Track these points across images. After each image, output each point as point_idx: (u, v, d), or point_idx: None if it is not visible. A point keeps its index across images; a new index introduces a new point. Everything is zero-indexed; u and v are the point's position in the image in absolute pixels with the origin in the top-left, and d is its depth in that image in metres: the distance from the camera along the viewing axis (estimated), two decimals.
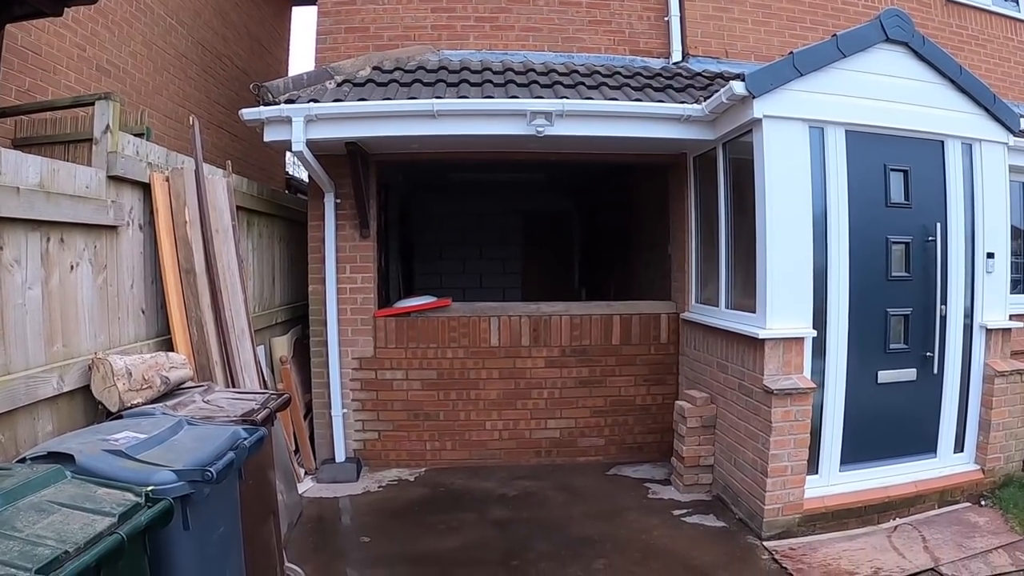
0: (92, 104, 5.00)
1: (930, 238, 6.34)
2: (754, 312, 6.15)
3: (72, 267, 4.19)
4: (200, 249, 5.30)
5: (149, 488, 2.77)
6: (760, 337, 5.86)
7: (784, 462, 5.86)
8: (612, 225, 12.13)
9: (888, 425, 6.39)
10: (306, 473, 7.50)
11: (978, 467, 6.62)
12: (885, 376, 6.32)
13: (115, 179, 4.72)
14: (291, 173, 15.55)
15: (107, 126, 4.74)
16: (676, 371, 8.07)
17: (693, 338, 7.59)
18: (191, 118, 5.83)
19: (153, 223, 5.12)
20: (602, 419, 8.02)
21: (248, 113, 6.36)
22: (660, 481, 7.41)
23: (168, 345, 5.12)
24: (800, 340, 5.95)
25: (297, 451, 7.52)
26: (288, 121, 6.31)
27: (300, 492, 6.88)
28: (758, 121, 5.89)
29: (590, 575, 5.36)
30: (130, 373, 4.12)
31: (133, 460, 3.04)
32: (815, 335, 5.99)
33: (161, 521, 2.63)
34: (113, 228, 4.66)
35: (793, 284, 5.92)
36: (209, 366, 5.17)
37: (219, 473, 3.06)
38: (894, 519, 6.16)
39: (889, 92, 6.10)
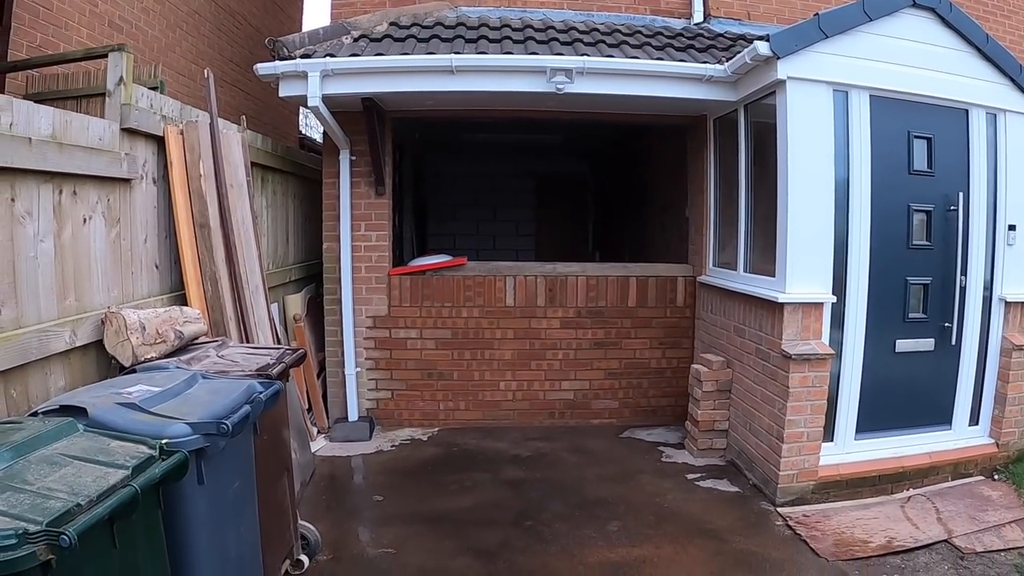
0: (105, 56, 4.91)
1: (952, 207, 6.19)
2: (774, 276, 6.05)
3: (85, 220, 4.13)
4: (215, 203, 5.24)
5: (164, 441, 2.73)
6: (779, 301, 5.77)
7: (800, 428, 5.79)
8: (626, 188, 12.01)
9: (904, 395, 6.31)
10: (319, 432, 7.48)
11: (992, 441, 6.52)
12: (903, 345, 6.22)
13: (129, 132, 4.65)
14: (304, 133, 15.44)
15: (120, 78, 4.65)
16: (692, 335, 8.00)
17: (710, 301, 7.51)
18: (206, 71, 5.74)
19: (167, 177, 5.06)
20: (616, 382, 7.97)
21: (263, 68, 6.27)
22: (674, 445, 7.37)
23: (182, 300, 5.08)
24: (819, 305, 5.86)
25: (310, 410, 7.50)
26: (304, 76, 6.21)
27: (313, 451, 6.85)
28: (782, 82, 5.75)
29: (604, 537, 5.32)
30: (144, 327, 4.07)
31: (147, 413, 3.00)
32: (834, 301, 5.89)
33: (176, 474, 2.59)
34: (127, 181, 4.60)
35: (814, 249, 5.81)
36: (223, 322, 5.13)
37: (235, 426, 3.02)
38: (908, 489, 6.09)
39: (914, 58, 5.95)
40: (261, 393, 3.40)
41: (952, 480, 6.25)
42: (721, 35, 7.73)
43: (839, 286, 5.94)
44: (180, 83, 9.00)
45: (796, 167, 5.76)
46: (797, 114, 5.75)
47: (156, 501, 2.60)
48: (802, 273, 5.81)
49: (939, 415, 6.48)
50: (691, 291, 7.95)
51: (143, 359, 4.02)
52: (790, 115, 5.75)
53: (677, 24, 8.21)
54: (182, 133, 5.14)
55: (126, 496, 2.25)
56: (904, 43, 5.92)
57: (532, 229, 14.66)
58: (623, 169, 12.23)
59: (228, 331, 5.17)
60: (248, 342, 5.30)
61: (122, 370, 4.00)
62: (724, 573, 4.83)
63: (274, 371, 3.90)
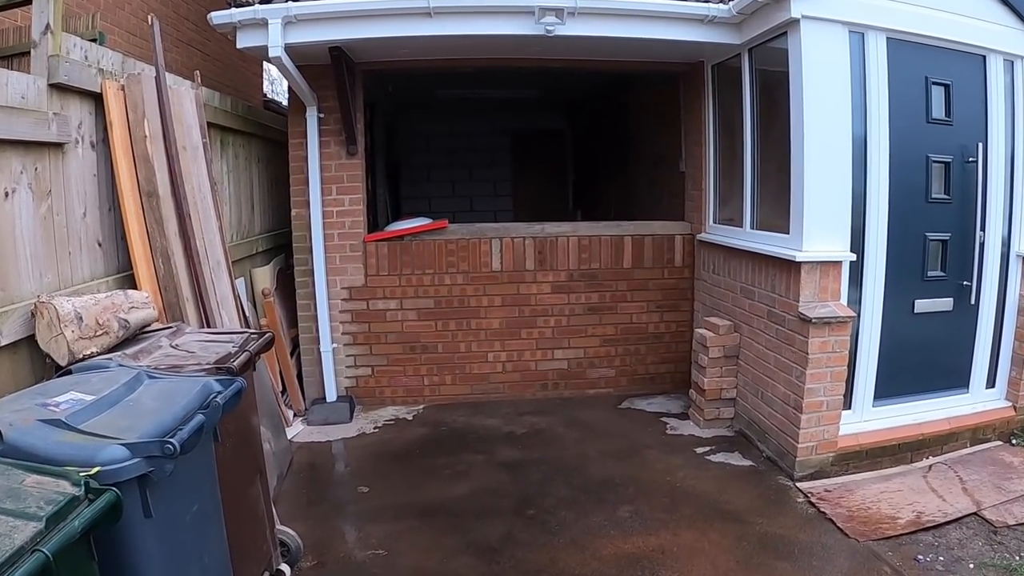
0: (29, 3, 4.23)
1: (970, 159, 5.81)
2: (787, 233, 5.63)
3: (7, 194, 3.50)
4: (164, 168, 4.60)
5: (94, 470, 2.16)
6: (797, 260, 5.33)
7: (819, 397, 5.41)
8: (610, 142, 11.47)
9: (922, 358, 6.00)
10: (295, 415, 6.95)
11: (1009, 404, 6.24)
12: (922, 305, 5.87)
13: (59, 88, 4.01)
14: (268, 96, 14.68)
15: (47, 25, 3.98)
16: (691, 296, 7.53)
17: (711, 261, 7.02)
18: (150, 17, 5.05)
19: (108, 140, 4.41)
20: (612, 348, 7.50)
21: (218, 16, 5.60)
22: (677, 415, 6.94)
23: (131, 282, 4.46)
24: (838, 264, 5.44)
25: (284, 392, 6.95)
26: (264, 24, 5.53)
27: (289, 437, 6.34)
28: (795, 22, 5.24)
29: (616, 524, 4.85)
30: (80, 318, 3.46)
31: (76, 432, 2.42)
32: (853, 259, 5.49)
33: (107, 519, 2.01)
34: (58, 146, 3.96)
35: (832, 203, 5.39)
36: (179, 304, 4.51)
37: (185, 443, 2.44)
38: (928, 457, 5.81)
39: None
40: (219, 395, 2.82)
41: (971, 446, 5.99)
42: None
43: (857, 243, 5.54)
44: (131, 43, 8.24)
45: (812, 116, 5.30)
46: (812, 57, 5.28)
47: (87, 552, 2.03)
48: (820, 229, 5.39)
49: (957, 378, 6.18)
50: (689, 250, 7.46)
51: (82, 355, 3.42)
52: (805, 58, 5.27)
53: None
54: (123, 89, 4.48)
55: (33, 568, 1.67)
56: None
57: (510, 189, 14.16)
58: (606, 123, 11.68)
59: (185, 314, 4.55)
60: (209, 326, 4.70)
61: (58, 370, 3.39)
62: (751, 561, 4.39)
63: (236, 362, 3.31)
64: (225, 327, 5.03)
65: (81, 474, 2.10)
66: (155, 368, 3.22)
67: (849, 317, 5.37)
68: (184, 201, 4.65)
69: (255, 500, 3.82)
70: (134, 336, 3.79)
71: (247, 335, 3.81)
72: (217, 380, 2.94)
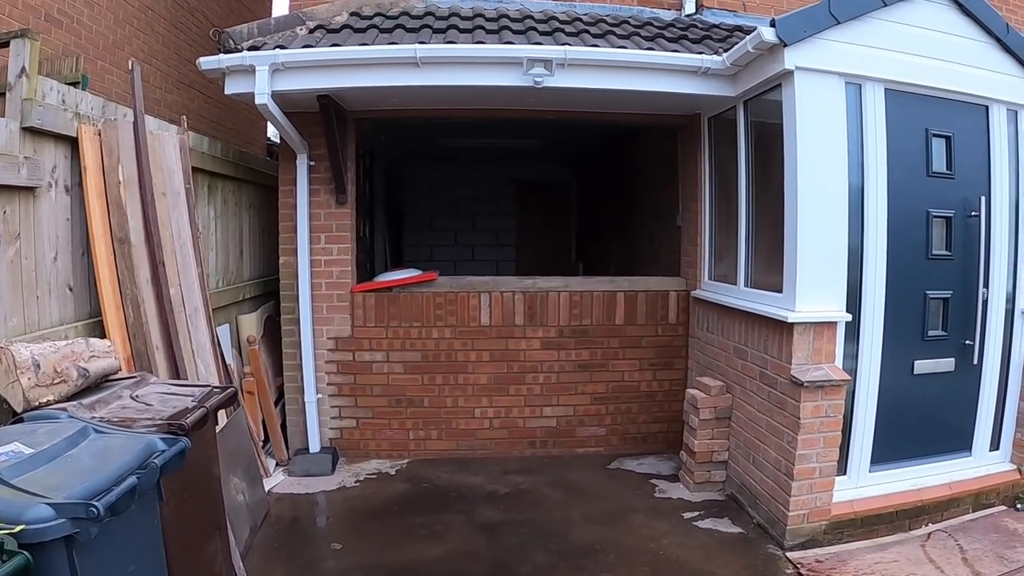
0: (7, 46, 4.18)
1: (973, 213, 5.68)
2: (780, 292, 5.47)
3: None
4: (138, 215, 4.52)
5: (17, 528, 2.04)
6: (789, 321, 5.17)
7: (812, 463, 5.21)
8: (612, 195, 11.38)
9: (922, 420, 5.80)
10: (277, 465, 6.79)
11: (1014, 467, 6.06)
12: (922, 366, 5.68)
13: (32, 132, 3.96)
14: (272, 140, 14.69)
15: (22, 68, 3.94)
16: (685, 354, 7.36)
17: (706, 319, 6.87)
18: (130, 61, 5.02)
19: (83, 184, 4.33)
20: (603, 407, 7.31)
21: (206, 62, 5.56)
22: (667, 477, 6.73)
23: (102, 327, 4.35)
24: (832, 325, 5.28)
25: (267, 441, 6.81)
26: (252, 71, 5.49)
27: (269, 487, 6.21)
28: (789, 73, 5.15)
29: None
30: (38, 365, 3.35)
31: (7, 486, 2.30)
32: (848, 319, 5.32)
33: None
34: (29, 190, 3.89)
35: (826, 261, 5.24)
36: (147, 352, 4.40)
37: (114, 505, 2.32)
38: (927, 524, 5.59)
39: (931, 48, 5.41)
40: (158, 456, 2.69)
41: (973, 511, 5.78)
42: (715, 26, 7.11)
43: (853, 302, 5.39)
44: (129, 83, 8.24)
45: (806, 169, 5.18)
46: (806, 109, 5.17)
47: None
48: (813, 288, 5.24)
49: (958, 441, 5.99)
50: (684, 307, 7.30)
51: (37, 403, 3.30)
52: (799, 110, 5.16)
53: (667, 15, 7.53)
54: (99, 134, 4.42)
55: None
56: (920, 32, 5.39)
57: (513, 239, 14.12)
58: (608, 175, 11.61)
59: (153, 364, 4.44)
60: (179, 375, 4.59)
61: (13, 416, 3.28)
62: None
63: (189, 419, 3.19)
64: (200, 376, 4.92)
65: (3, 532, 1.99)
66: (107, 421, 3.11)
67: (844, 381, 5.19)
68: (158, 248, 4.56)
69: (212, 558, 3.68)
70: (98, 384, 3.67)
71: (209, 389, 3.69)
72: (163, 438, 2.81)
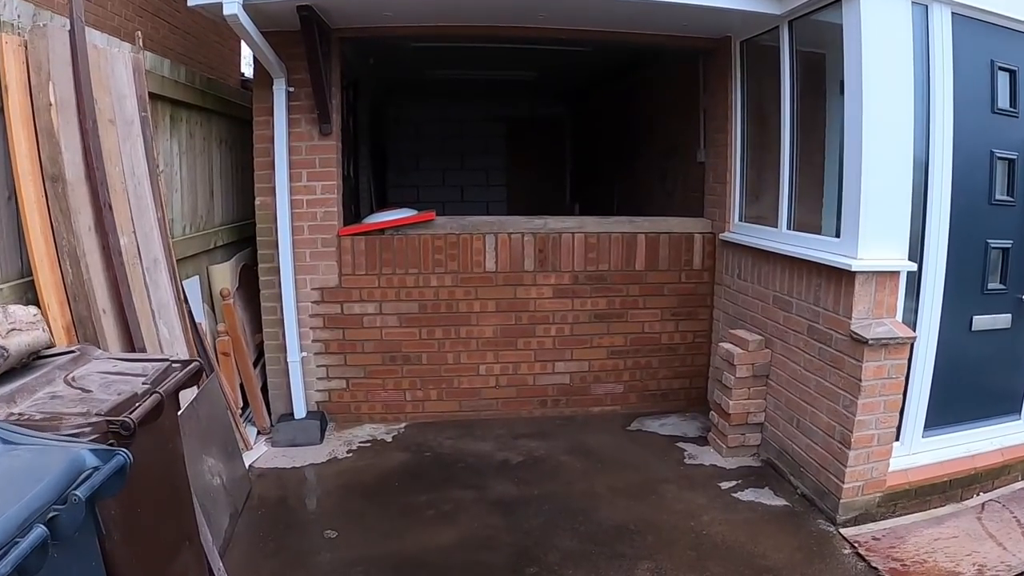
0: None
1: None
2: (836, 236, 4.81)
3: None
4: (76, 146, 3.64)
5: None
6: (852, 269, 4.51)
7: (871, 430, 4.64)
8: (615, 130, 10.58)
9: (976, 381, 5.31)
10: (259, 433, 6.06)
11: None
12: (980, 322, 5.14)
13: None
14: (247, 75, 13.71)
15: None
16: (711, 303, 6.67)
17: (737, 264, 6.16)
18: None
19: (4, 108, 3.47)
20: (621, 361, 6.62)
21: None
22: (694, 439, 6.10)
23: (34, 290, 3.53)
24: (895, 275, 4.65)
25: (246, 407, 6.06)
26: None
27: (250, 461, 5.52)
28: None
29: None
30: None
31: None
32: (912, 269, 4.70)
33: None
34: None
35: (891, 203, 4.58)
36: (92, 318, 3.56)
37: (23, 565, 1.55)
38: (978, 494, 5.16)
39: None
40: (86, 478, 1.90)
41: (1023, 478, 5.38)
42: None
43: (915, 250, 4.76)
44: (85, 9, 7.28)
45: (872, 99, 4.47)
46: (873, 30, 4.46)
47: None
48: (877, 233, 4.58)
49: (1008, 403, 5.49)
50: (710, 251, 6.58)
51: None
52: (864, 30, 4.44)
53: None
54: (25, 45, 3.54)
55: None
56: None
57: (504, 179, 13.39)
58: (612, 109, 10.80)
59: (100, 332, 3.60)
60: (133, 344, 3.78)
61: None
62: None
63: (136, 412, 2.41)
64: (162, 342, 4.14)
65: None
66: (27, 419, 2.33)
67: (909, 338, 4.60)
68: (102, 187, 3.70)
69: (184, 572, 2.94)
70: (23, 365, 2.86)
71: (166, 366, 2.89)
72: (95, 450, 2.03)
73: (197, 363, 3.01)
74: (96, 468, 1.97)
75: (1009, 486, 5.24)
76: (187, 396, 4.02)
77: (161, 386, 2.69)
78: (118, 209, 3.89)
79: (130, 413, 2.38)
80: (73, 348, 3.08)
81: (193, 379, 2.97)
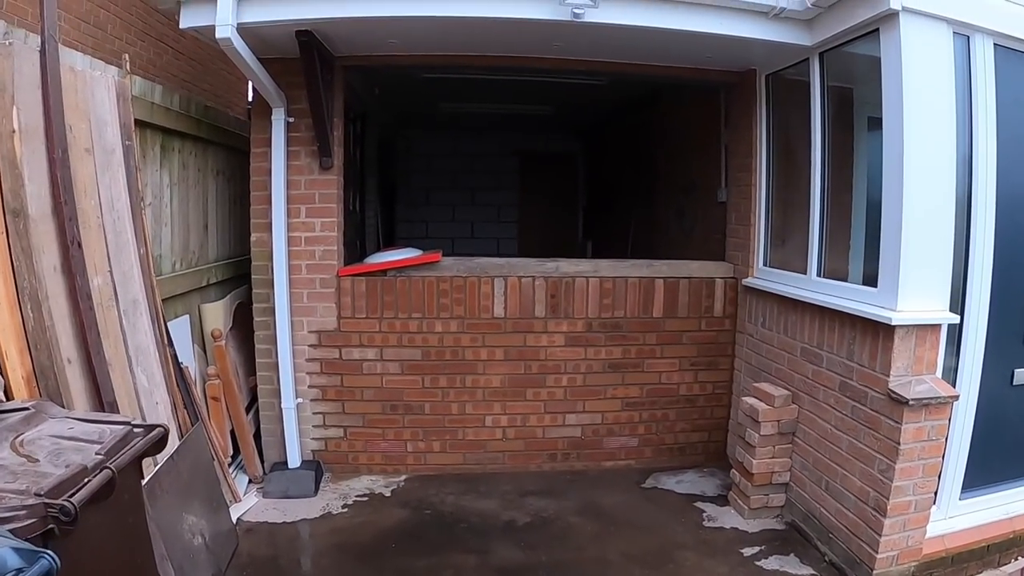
0: None
1: None
2: (873, 286, 4.46)
3: None
4: (42, 178, 3.30)
5: None
6: (892, 323, 4.15)
7: (908, 496, 4.27)
8: (630, 166, 10.26)
9: (1016, 438, 4.97)
10: (250, 482, 5.71)
11: None
12: (1022, 375, 4.77)
13: None
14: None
15: None
16: (732, 352, 6.28)
17: (761, 312, 5.79)
18: None
19: None
20: (636, 413, 6.23)
21: None
22: (713, 499, 5.70)
23: None
24: (936, 328, 4.31)
25: (237, 455, 5.70)
26: None
27: (239, 514, 5.15)
28: (892, 16, 4.12)
29: None
30: None
31: None
32: (955, 321, 4.35)
33: None
34: None
35: (933, 250, 4.27)
36: (54, 367, 3.20)
37: None
38: (1016, 558, 4.86)
39: None
40: None
41: None
42: None
43: (956, 299, 4.43)
44: (83, 31, 6.99)
45: (914, 136, 4.16)
46: (913, 61, 4.15)
47: None
48: (918, 283, 4.25)
49: None
50: (732, 297, 6.21)
51: None
52: (905, 63, 4.13)
53: None
54: None
55: None
56: None
57: (515, 215, 13.09)
58: (626, 145, 10.49)
59: (63, 383, 3.24)
60: (101, 398, 3.42)
61: None
62: None
63: (80, 494, 2.05)
64: (139, 392, 3.79)
65: None
66: None
67: (952, 397, 4.24)
68: (71, 223, 3.36)
69: None
70: None
71: (127, 430, 2.54)
72: (18, 549, 1.67)
73: (161, 428, 2.66)
74: (19, 571, 1.61)
75: None
76: (170, 446, 3.67)
77: (117, 457, 2.34)
78: (92, 246, 3.56)
79: (73, 495, 2.03)
80: (28, 404, 2.74)
81: (157, 446, 2.62)
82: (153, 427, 2.63)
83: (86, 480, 2.16)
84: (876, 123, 4.43)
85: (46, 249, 3.28)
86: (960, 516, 4.72)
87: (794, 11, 4.74)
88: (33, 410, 2.67)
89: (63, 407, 3.06)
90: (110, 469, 2.25)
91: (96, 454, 2.32)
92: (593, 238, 12.33)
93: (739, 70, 5.95)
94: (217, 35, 4.31)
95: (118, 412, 3.55)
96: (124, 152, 4.04)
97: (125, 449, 2.42)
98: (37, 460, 2.28)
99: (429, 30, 4.89)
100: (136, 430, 2.57)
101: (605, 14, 4.52)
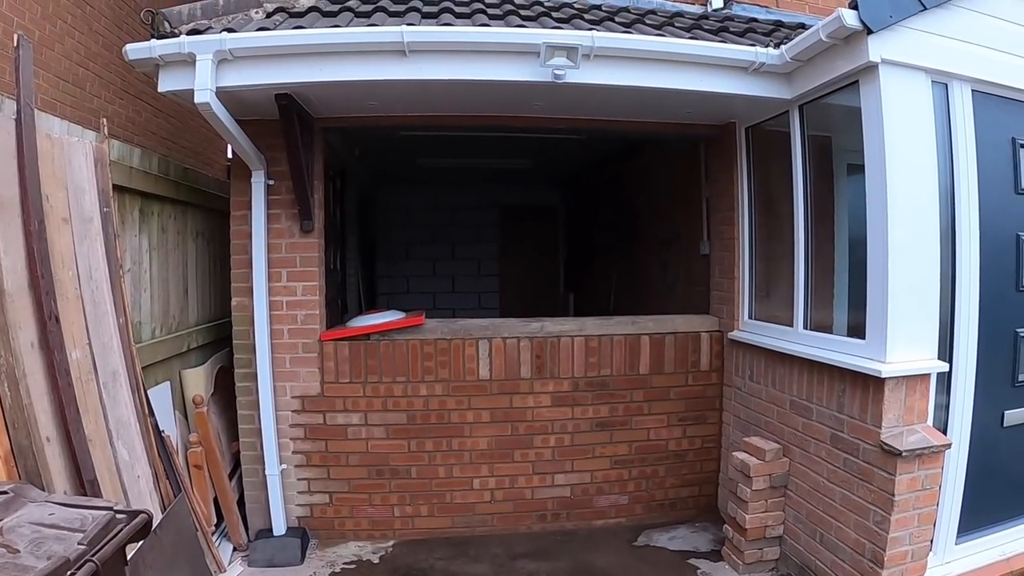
0: None
1: None
2: (861, 338, 4.47)
3: None
4: (18, 251, 3.24)
5: None
6: (882, 375, 4.16)
7: (905, 546, 4.24)
8: (611, 219, 10.25)
9: (1009, 478, 4.95)
10: (235, 550, 5.55)
11: None
12: (1012, 417, 4.80)
13: None
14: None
15: None
16: (719, 406, 6.23)
17: (748, 365, 5.76)
18: (16, 36, 3.69)
19: None
20: (625, 471, 6.12)
21: (134, 50, 4.32)
22: (707, 554, 5.60)
23: None
24: (926, 377, 4.34)
25: (221, 522, 5.56)
26: (191, 61, 4.28)
27: None
28: (871, 68, 4.22)
29: None
30: None
31: None
32: (945, 369, 4.36)
33: None
34: None
35: (920, 299, 4.32)
36: (33, 447, 3.11)
37: None
38: None
39: (1020, 45, 4.57)
40: None
41: None
42: (754, 19, 6.03)
43: (944, 346, 4.45)
44: (61, 89, 6.96)
45: (897, 186, 4.23)
46: (894, 111, 4.24)
47: None
48: (906, 333, 4.28)
49: None
50: (718, 351, 6.17)
51: None
52: (886, 113, 4.22)
53: (693, 9, 6.37)
54: None
55: None
56: (1006, 25, 4.53)
57: (496, 269, 13.05)
58: (607, 197, 10.49)
59: (43, 462, 3.13)
60: (80, 476, 3.32)
61: None
62: None
63: None
64: (120, 466, 3.68)
65: None
66: None
67: (944, 446, 4.27)
68: (48, 296, 3.29)
69: None
70: None
71: (110, 516, 2.45)
72: None
73: (144, 515, 2.56)
74: None
75: None
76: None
77: (100, 548, 2.25)
78: (70, 319, 3.49)
79: None
80: (6, 487, 2.65)
81: (141, 533, 2.52)
82: (136, 513, 2.54)
83: (69, 573, 2.07)
84: (856, 170, 4.50)
85: (23, 325, 3.21)
86: (957, 560, 4.68)
87: (774, 65, 4.82)
88: (12, 494, 2.58)
89: (42, 488, 2.97)
90: (94, 563, 2.17)
91: (79, 544, 2.24)
92: (575, 290, 12.30)
93: (719, 123, 6.00)
94: (196, 99, 4.29)
95: (99, 489, 3.45)
96: (102, 219, 3.98)
97: (108, 538, 2.33)
98: (17, 550, 2.19)
99: (408, 92, 4.89)
100: (119, 516, 2.48)
101: (586, 75, 4.55)
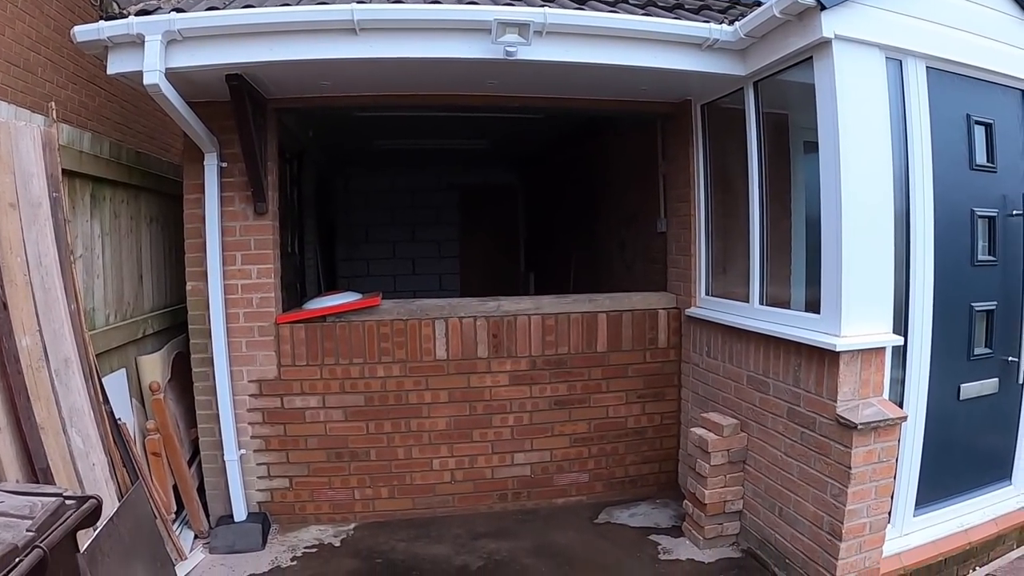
0: None
1: (1015, 212, 4.99)
2: (816, 312, 4.51)
3: None
4: None
5: None
6: (836, 349, 4.21)
7: (863, 518, 4.31)
8: (570, 198, 10.30)
9: (965, 451, 5.08)
10: (196, 537, 5.51)
11: None
12: (968, 390, 4.92)
13: None
14: None
15: None
16: (678, 383, 6.29)
17: (705, 342, 5.81)
18: None
19: None
20: (585, 448, 6.16)
21: (83, 32, 4.23)
22: (667, 530, 5.65)
23: None
24: (881, 351, 4.39)
25: (181, 511, 5.51)
26: (140, 42, 4.20)
27: (184, 573, 4.95)
28: (825, 44, 4.23)
29: None
30: None
31: None
32: (899, 343, 4.43)
33: None
34: None
35: (875, 274, 4.37)
36: None
37: None
38: (974, 568, 4.98)
39: (972, 22, 4.64)
40: None
41: (1017, 547, 5.24)
42: None
43: (899, 320, 4.52)
44: (12, 75, 6.79)
45: (851, 161, 4.27)
46: (848, 87, 4.26)
47: None
48: (860, 307, 4.33)
49: (999, 470, 5.29)
50: (676, 327, 6.22)
51: None
52: (839, 89, 4.24)
53: None
54: None
55: None
56: (959, 2, 4.63)
57: (456, 250, 13.07)
58: (565, 177, 10.53)
59: None
60: (32, 465, 3.28)
61: None
62: None
63: None
64: (74, 454, 3.63)
65: None
66: None
67: (900, 418, 4.33)
68: None
69: None
70: None
71: (59, 503, 2.42)
72: None
73: (93, 500, 2.53)
74: None
75: (1005, 556, 5.10)
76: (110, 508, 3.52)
77: (48, 534, 2.22)
78: (18, 306, 3.43)
79: None
80: None
81: (91, 518, 2.49)
82: (86, 498, 2.51)
83: (17, 560, 2.04)
84: (812, 147, 4.51)
85: None
86: (916, 532, 4.77)
87: (728, 42, 4.83)
88: None
89: None
90: (41, 548, 2.13)
91: (27, 531, 2.20)
92: (536, 269, 12.33)
93: (675, 101, 6.02)
94: (145, 81, 4.22)
95: (52, 478, 3.41)
96: (52, 204, 3.91)
97: (57, 524, 2.30)
98: None
99: (360, 71, 4.84)
100: (68, 502, 2.45)
101: (539, 51, 4.54)
